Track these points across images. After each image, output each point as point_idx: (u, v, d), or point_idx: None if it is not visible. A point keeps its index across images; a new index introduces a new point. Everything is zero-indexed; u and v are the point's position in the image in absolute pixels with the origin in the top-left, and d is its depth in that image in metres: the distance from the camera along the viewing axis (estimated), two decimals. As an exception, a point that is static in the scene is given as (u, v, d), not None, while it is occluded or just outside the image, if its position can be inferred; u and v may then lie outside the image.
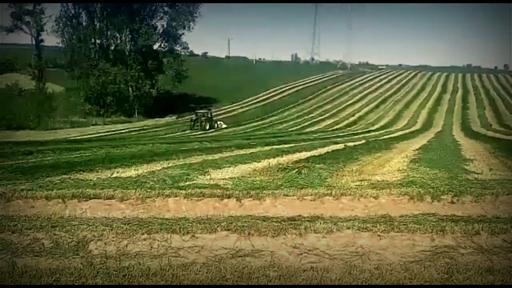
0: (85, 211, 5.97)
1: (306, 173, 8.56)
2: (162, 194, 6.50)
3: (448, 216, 5.67)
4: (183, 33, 58.83)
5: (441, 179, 7.66)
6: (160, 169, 8.84)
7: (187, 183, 7.45)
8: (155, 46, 59.08)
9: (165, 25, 58.87)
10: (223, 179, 7.95)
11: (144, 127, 44.66)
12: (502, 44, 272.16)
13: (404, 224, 5.25)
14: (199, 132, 38.78)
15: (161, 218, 5.63)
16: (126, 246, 4.78)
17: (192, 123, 42.54)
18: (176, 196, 6.44)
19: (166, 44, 59.44)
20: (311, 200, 6.46)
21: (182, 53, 61.33)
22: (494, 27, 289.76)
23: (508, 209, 6.16)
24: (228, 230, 5.12)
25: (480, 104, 67.05)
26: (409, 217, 5.62)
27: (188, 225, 5.28)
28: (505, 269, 4.18)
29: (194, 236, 4.98)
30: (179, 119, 53.88)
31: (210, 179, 8.05)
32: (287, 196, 6.60)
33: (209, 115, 44.02)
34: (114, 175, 8.35)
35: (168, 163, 10.11)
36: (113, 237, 4.94)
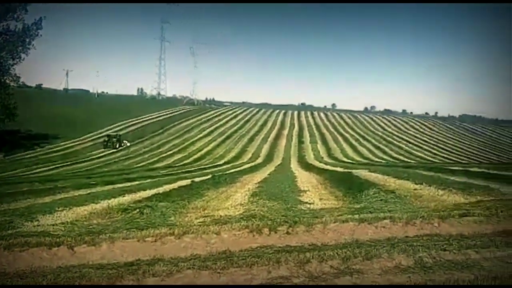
0: None
1: (148, 212, 8.26)
2: (-26, 247, 5.57)
3: (283, 247, 5.96)
4: (13, 65, 52.63)
5: (278, 211, 8.08)
6: (-25, 217, 7.59)
7: (9, 231, 6.54)
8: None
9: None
10: (53, 225, 7.18)
11: (-38, 167, 38.46)
12: (330, 85, 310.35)
13: (243, 259, 5.36)
14: (107, 152, 53.35)
15: (-31, 278, 4.76)
16: None
17: (105, 143, 56.18)
18: (-7, 248, 5.57)
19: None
20: (152, 242, 6.22)
21: (11, 85, 54.79)
22: (323, 67, 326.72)
23: (335, 236, 6.77)
24: (55, 283, 4.57)
25: (313, 138, 74.58)
26: (248, 251, 5.76)
27: (7, 281, 4.58)
28: (331, 295, 4.51)
29: (11, 295, 4.32)
30: (7, 158, 47.79)
31: (38, 225, 7.20)
32: (127, 239, 6.26)
33: (119, 137, 58.69)
34: None
35: (-13, 210, 8.76)
36: None
